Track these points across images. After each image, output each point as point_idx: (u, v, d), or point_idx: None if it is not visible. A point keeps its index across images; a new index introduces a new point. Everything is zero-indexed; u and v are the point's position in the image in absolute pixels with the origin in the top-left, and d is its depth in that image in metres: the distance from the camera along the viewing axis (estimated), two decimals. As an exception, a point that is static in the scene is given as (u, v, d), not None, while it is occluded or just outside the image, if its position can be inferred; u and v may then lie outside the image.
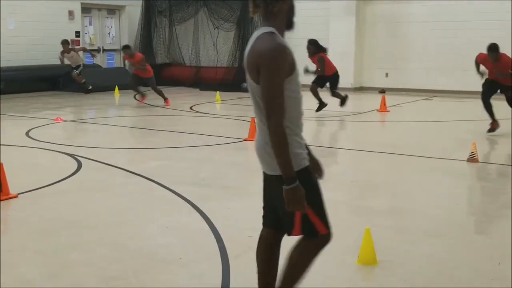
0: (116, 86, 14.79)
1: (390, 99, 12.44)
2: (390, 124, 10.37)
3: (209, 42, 17.51)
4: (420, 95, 14.52)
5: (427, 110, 12.15)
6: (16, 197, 5.11)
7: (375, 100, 12.71)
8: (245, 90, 15.52)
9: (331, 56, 11.62)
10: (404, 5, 15.40)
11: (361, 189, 5.73)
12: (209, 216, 4.61)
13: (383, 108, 11.40)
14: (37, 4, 15.38)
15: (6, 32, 14.46)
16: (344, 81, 15.76)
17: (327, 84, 10.93)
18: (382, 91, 14.95)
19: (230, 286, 3.34)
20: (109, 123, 10.07)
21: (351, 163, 7.16)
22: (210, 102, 13.14)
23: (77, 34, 16.69)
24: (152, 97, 14.45)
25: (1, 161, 5.13)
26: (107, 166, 6.46)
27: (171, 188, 5.49)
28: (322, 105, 10.79)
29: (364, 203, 5.15)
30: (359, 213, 4.85)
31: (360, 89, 16.07)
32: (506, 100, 8.62)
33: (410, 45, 15.40)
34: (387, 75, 15.89)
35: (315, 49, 10.67)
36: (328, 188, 5.45)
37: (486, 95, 8.52)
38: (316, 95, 10.78)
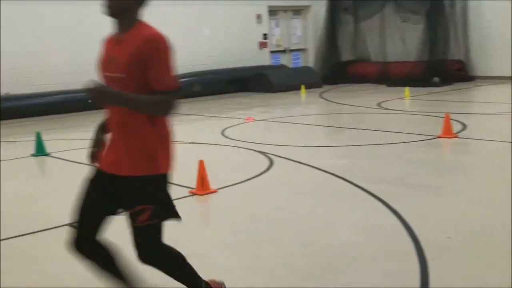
0: (302, 86, 15.07)
1: None
2: None
3: (396, 36, 17.01)
4: None
5: None
6: (215, 192, 5.44)
7: None
8: (437, 85, 14.75)
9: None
10: None
11: None
12: (402, 215, 4.43)
13: None
14: (228, 10, 16.31)
15: (203, 38, 15.58)
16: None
17: None
18: None
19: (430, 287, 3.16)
20: (296, 122, 10.27)
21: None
22: (399, 98, 12.72)
23: (265, 36, 17.38)
24: (337, 94, 14.48)
25: (202, 159, 5.50)
26: (296, 163, 6.57)
27: (361, 185, 5.40)
28: None
29: None
30: None
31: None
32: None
33: None
34: None
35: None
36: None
37: None
38: None
